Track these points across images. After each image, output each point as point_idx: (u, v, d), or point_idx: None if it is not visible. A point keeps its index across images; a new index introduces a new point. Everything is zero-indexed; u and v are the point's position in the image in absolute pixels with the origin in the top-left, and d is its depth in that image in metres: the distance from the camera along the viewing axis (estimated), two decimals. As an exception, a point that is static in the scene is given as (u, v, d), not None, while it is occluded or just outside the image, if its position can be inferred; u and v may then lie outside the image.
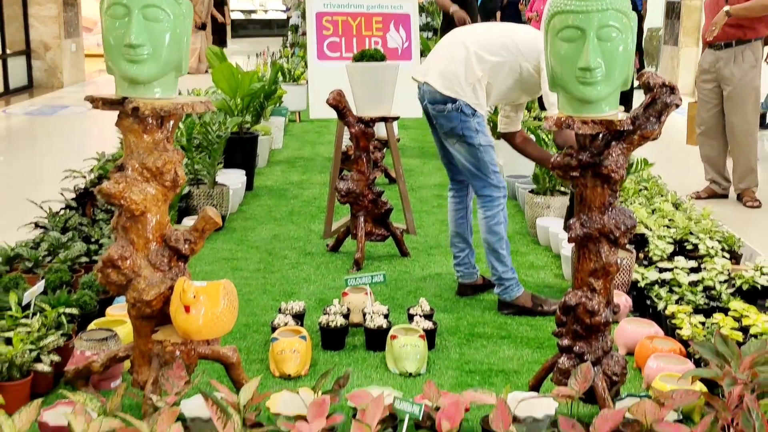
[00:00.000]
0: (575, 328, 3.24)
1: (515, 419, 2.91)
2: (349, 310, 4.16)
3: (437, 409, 2.95)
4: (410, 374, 3.67)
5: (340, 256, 5.42)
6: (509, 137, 4.76)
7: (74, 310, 3.82)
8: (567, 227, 3.24)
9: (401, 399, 2.89)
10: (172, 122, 3.18)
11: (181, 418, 2.96)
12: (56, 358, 3.49)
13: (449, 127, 4.34)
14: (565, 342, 3.28)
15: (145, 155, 3.13)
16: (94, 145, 10.13)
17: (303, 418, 2.97)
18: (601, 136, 3.16)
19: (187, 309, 2.99)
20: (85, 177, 6.04)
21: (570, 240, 3.23)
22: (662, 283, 4.45)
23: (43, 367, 3.40)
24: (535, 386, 3.44)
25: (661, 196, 6.05)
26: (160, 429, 2.72)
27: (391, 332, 3.81)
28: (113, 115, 3.19)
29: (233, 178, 6.57)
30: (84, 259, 4.63)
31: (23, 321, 3.62)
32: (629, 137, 3.12)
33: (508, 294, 4.39)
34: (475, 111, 4.32)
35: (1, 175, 8.49)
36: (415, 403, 2.85)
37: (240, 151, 7.02)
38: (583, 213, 3.21)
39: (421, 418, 2.86)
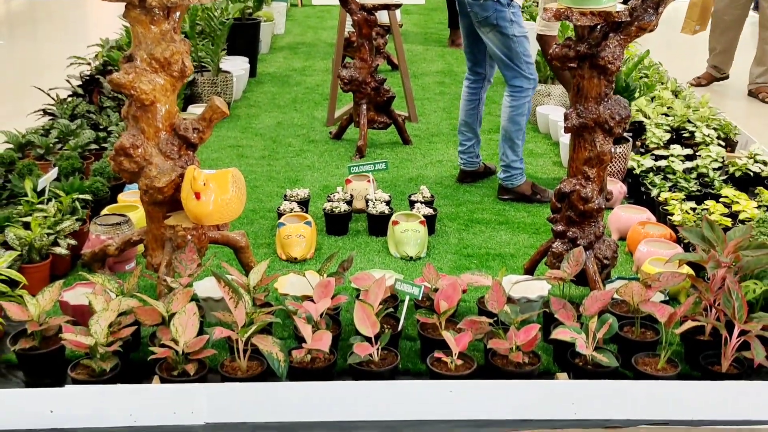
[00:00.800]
0: (569, 214, 3.38)
1: (510, 300, 3.07)
2: (352, 196, 4.30)
3: (436, 290, 3.12)
4: (411, 258, 3.83)
5: (343, 143, 5.52)
6: (544, 42, 4.69)
7: (87, 196, 3.96)
8: (564, 117, 3.34)
9: (402, 281, 3.06)
10: (178, 13, 3.23)
11: (194, 298, 3.14)
12: (72, 241, 3.65)
13: (483, 16, 4.35)
14: (559, 227, 3.42)
15: (153, 46, 3.20)
16: (95, 30, 10.09)
17: (309, 298, 3.15)
18: (599, 27, 3.21)
19: (197, 196, 3.12)
20: (89, 64, 6.08)
21: (566, 129, 3.33)
22: (657, 170, 4.57)
23: (61, 250, 3.56)
24: (530, 269, 3.61)
25: (662, 83, 6.10)
26: (175, 308, 2.89)
27: (392, 218, 3.96)
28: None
29: (237, 65, 6.60)
30: (93, 147, 4.74)
31: (39, 206, 3.77)
32: (627, 29, 3.18)
33: (511, 181, 4.52)
34: (511, 1, 4.33)
35: (3, 60, 8.50)
36: (415, 285, 3.02)
37: (243, 37, 7.02)
38: (579, 103, 3.30)
39: (420, 299, 3.03)
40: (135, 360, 3.00)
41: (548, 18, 3.19)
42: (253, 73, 7.09)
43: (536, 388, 2.70)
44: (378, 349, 2.81)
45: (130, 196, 4.14)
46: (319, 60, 7.89)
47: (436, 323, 3.00)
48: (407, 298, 3.05)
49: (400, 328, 3.03)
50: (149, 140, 3.29)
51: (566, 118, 3.32)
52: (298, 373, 2.78)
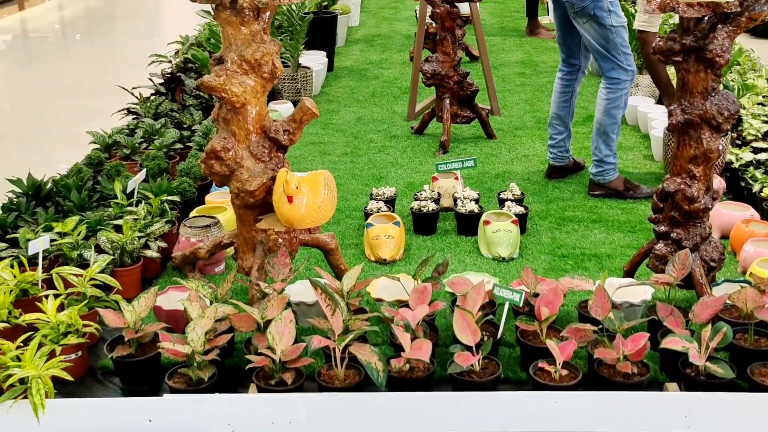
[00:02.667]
0: (673, 214, 3.24)
1: (612, 305, 2.95)
2: (439, 194, 4.21)
3: (535, 295, 3.01)
4: (503, 259, 3.73)
5: (426, 138, 5.43)
6: (644, 40, 4.52)
7: (176, 198, 3.95)
8: (668, 113, 3.18)
9: (501, 286, 2.96)
10: (268, 13, 3.18)
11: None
12: (163, 244, 3.64)
13: (580, 6, 4.21)
14: (662, 228, 3.28)
15: (244, 47, 3.15)
16: (171, 26, 10.18)
17: (403, 303, 3.07)
18: (706, 19, 3.05)
19: (290, 199, 3.07)
20: (170, 61, 6.11)
21: (670, 126, 3.18)
22: (757, 164, 4.37)
23: (152, 253, 3.55)
24: (630, 271, 3.47)
25: (754, 71, 5.85)
26: (270, 314, 2.84)
27: (483, 217, 3.86)
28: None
29: (315, 60, 6.56)
30: (178, 146, 4.75)
31: (129, 209, 3.77)
32: (736, 20, 3.02)
33: (603, 177, 4.37)
34: None
35: (82, 57, 8.63)
36: (515, 290, 2.91)
37: (320, 31, 6.97)
38: (684, 98, 3.15)
39: (522, 305, 2.92)
40: (230, 366, 2.97)
41: (652, 10, 3.04)
42: (330, 67, 7.05)
43: (648, 400, 2.57)
44: (480, 358, 2.71)
45: (217, 197, 4.12)
46: (395, 52, 7.81)
47: (536, 330, 2.90)
48: (506, 304, 2.95)
49: (499, 335, 2.93)
50: (240, 143, 3.25)
51: (670, 114, 3.16)
52: (397, 382, 2.71)
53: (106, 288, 3.21)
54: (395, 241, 3.76)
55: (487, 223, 3.80)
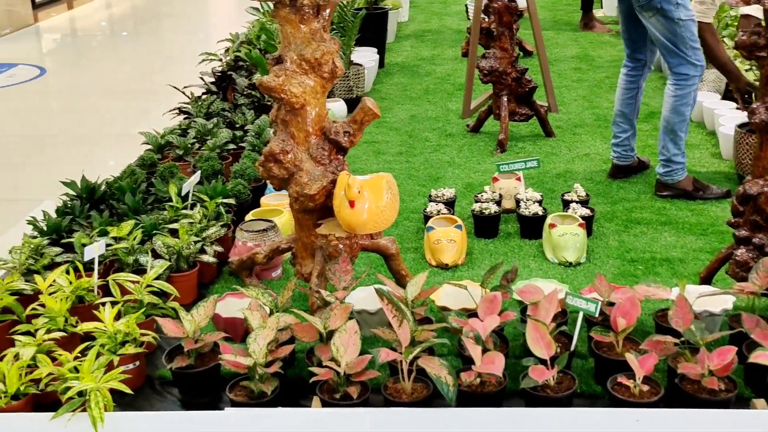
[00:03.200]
0: (755, 218, 3.06)
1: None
2: (500, 196, 4.07)
3: (610, 304, 2.86)
4: (570, 264, 3.58)
5: (482, 137, 5.28)
6: (698, 30, 4.32)
7: (231, 201, 3.86)
8: (750, 111, 3.01)
9: (574, 295, 2.81)
10: (328, 10, 3.07)
11: (348, 311, 2.98)
12: (219, 248, 3.55)
13: (646, 0, 4.04)
14: (743, 233, 3.10)
15: (303, 46, 3.04)
16: (218, 23, 10.14)
17: (469, 312, 2.95)
18: (793, 11, 2.88)
19: (351, 204, 2.95)
20: (221, 60, 6.03)
21: (752, 126, 3.01)
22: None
23: (208, 258, 3.46)
24: (707, 278, 3.30)
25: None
26: (333, 324, 2.73)
27: (549, 220, 3.71)
28: None
29: (366, 57, 6.45)
30: (231, 146, 4.66)
31: (184, 212, 3.69)
32: (826, 11, 2.84)
33: (672, 177, 4.20)
34: None
35: (131, 56, 8.61)
36: (589, 300, 2.77)
37: (370, 27, 6.86)
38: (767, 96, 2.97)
39: (597, 315, 2.78)
40: (290, 377, 2.86)
41: (735, 2, 2.87)
42: (381, 63, 6.93)
43: (737, 418, 2.41)
44: (555, 372, 2.57)
45: (272, 199, 4.02)
46: (447, 48, 7.66)
47: (612, 342, 2.75)
48: (580, 314, 2.80)
49: (572, 347, 2.79)
50: (299, 145, 3.14)
51: (752, 113, 2.99)
52: (467, 397, 2.58)
53: (162, 294, 3.13)
54: (457, 246, 3.63)
55: (552, 226, 3.65)
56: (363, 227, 3.02)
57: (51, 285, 3.07)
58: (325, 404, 2.58)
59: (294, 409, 2.52)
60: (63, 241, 3.51)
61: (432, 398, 2.60)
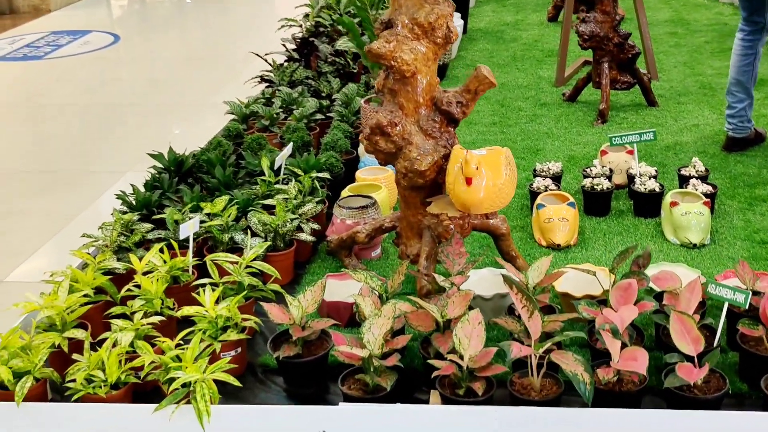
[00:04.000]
0: None
1: None
2: (611, 170, 3.79)
3: (755, 293, 2.59)
4: (694, 245, 3.30)
5: (580, 106, 4.99)
6: None
7: (325, 174, 3.65)
8: None
9: (718, 284, 2.54)
10: (442, -30, 2.82)
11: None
12: (316, 226, 3.35)
13: None
14: None
15: (416, 9, 2.80)
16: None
17: (593, 299, 2.71)
18: None
19: (468, 181, 2.72)
20: (301, 26, 5.82)
21: None
22: None
23: (305, 236, 3.27)
24: None
25: None
26: (451, 312, 2.52)
27: (669, 198, 3.42)
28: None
29: (451, 22, 6.16)
30: (318, 117, 4.45)
31: (278, 187, 3.49)
32: None
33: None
34: None
35: (204, 23, 8.45)
36: (737, 290, 2.50)
37: (454, -9, 6.55)
38: None
39: (747, 307, 2.51)
40: (402, 369, 2.65)
41: None
42: (464, 29, 6.64)
43: None
44: (707, 371, 2.32)
45: (368, 173, 3.80)
46: (530, 12, 7.34)
47: (762, 336, 2.49)
48: (725, 305, 2.54)
49: (716, 343, 2.52)
50: (408, 117, 2.91)
51: None
52: (603, 396, 2.34)
53: (259, 275, 2.94)
54: (569, 224, 3.37)
55: (674, 204, 3.37)
56: (479, 206, 2.78)
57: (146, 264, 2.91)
58: (446, 400, 2.37)
59: (417, 407, 2.32)
60: (154, 217, 3.35)
61: (562, 395, 2.38)
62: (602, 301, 2.62)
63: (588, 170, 3.77)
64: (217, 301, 2.71)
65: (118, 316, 2.80)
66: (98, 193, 4.38)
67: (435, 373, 2.37)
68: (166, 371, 2.44)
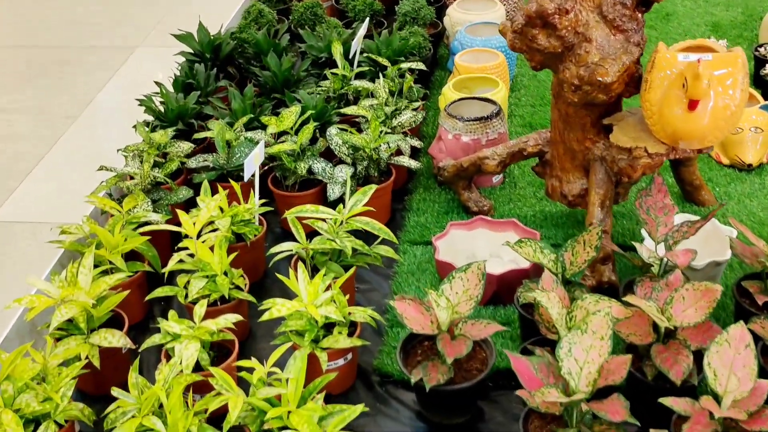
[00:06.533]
0: None
1: None
2: (793, 52, 2.83)
3: None
4: None
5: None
6: None
7: (416, 63, 2.68)
8: None
9: None
10: None
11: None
12: (417, 143, 2.44)
13: None
14: None
15: None
16: None
17: None
18: None
19: (692, 105, 1.79)
20: None
21: None
22: None
23: (408, 160, 2.36)
24: None
25: None
26: (682, 316, 1.67)
27: None
28: None
29: None
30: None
31: (359, 85, 2.54)
32: None
33: None
34: None
35: None
36: None
37: None
38: None
39: None
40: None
41: None
42: None
43: None
44: None
45: (468, 57, 2.78)
46: None
47: None
48: None
49: None
50: (584, 0, 1.94)
51: None
52: None
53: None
54: (763, 136, 2.47)
55: None
56: (702, 139, 1.86)
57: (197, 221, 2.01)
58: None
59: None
60: (195, 136, 2.42)
61: None
62: None
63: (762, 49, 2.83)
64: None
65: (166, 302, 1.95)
66: (101, 80, 3.34)
67: (676, 421, 1.54)
68: (257, 417, 1.60)
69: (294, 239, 2.00)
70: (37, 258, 2.17)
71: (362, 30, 2.70)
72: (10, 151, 2.75)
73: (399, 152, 2.39)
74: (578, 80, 1.95)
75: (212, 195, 2.13)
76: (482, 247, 2.18)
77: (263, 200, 2.20)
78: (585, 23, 1.93)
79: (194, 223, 1.95)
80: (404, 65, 2.61)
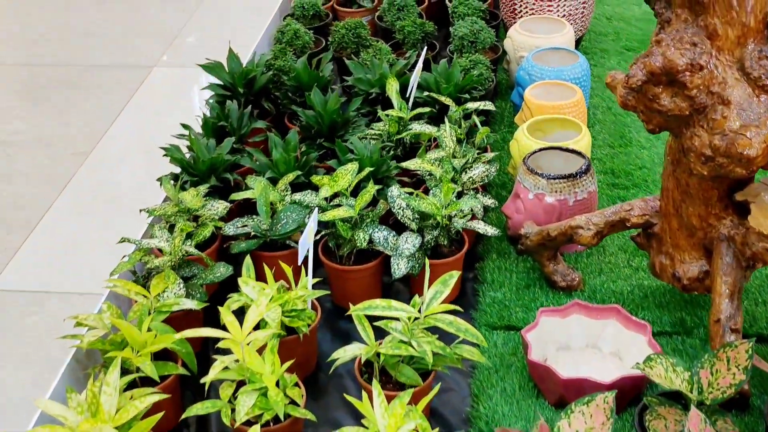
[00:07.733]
0: None
1: None
2: None
3: None
4: None
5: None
6: None
7: (484, 103, 2.32)
8: None
9: None
10: None
11: None
12: (490, 201, 2.08)
13: None
14: None
15: None
16: None
17: None
18: None
19: None
20: None
21: None
22: None
23: (483, 226, 2.00)
24: None
25: None
26: None
27: None
28: None
29: None
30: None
31: (419, 130, 2.18)
32: None
33: None
34: None
35: None
36: None
37: None
38: None
39: None
40: None
41: None
42: None
43: None
44: None
45: (538, 91, 2.43)
46: None
47: None
48: None
49: None
50: (722, 52, 1.58)
51: None
52: None
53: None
54: None
55: None
56: None
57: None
58: None
59: None
60: (232, 197, 2.07)
61: None
62: None
63: None
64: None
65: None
66: (113, 107, 2.93)
67: None
68: None
69: (359, 338, 1.65)
70: (44, 358, 1.80)
71: (420, 63, 2.33)
72: (9, 196, 2.37)
73: (472, 215, 2.04)
74: (711, 150, 1.59)
75: (254, 268, 1.79)
76: (578, 336, 1.83)
77: (316, 279, 1.85)
78: (722, 81, 1.57)
79: (241, 324, 1.60)
80: (470, 105, 2.25)
